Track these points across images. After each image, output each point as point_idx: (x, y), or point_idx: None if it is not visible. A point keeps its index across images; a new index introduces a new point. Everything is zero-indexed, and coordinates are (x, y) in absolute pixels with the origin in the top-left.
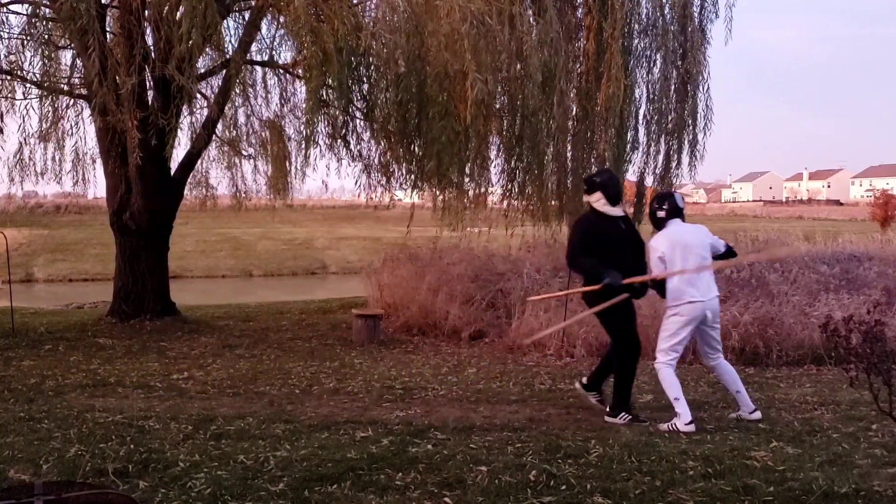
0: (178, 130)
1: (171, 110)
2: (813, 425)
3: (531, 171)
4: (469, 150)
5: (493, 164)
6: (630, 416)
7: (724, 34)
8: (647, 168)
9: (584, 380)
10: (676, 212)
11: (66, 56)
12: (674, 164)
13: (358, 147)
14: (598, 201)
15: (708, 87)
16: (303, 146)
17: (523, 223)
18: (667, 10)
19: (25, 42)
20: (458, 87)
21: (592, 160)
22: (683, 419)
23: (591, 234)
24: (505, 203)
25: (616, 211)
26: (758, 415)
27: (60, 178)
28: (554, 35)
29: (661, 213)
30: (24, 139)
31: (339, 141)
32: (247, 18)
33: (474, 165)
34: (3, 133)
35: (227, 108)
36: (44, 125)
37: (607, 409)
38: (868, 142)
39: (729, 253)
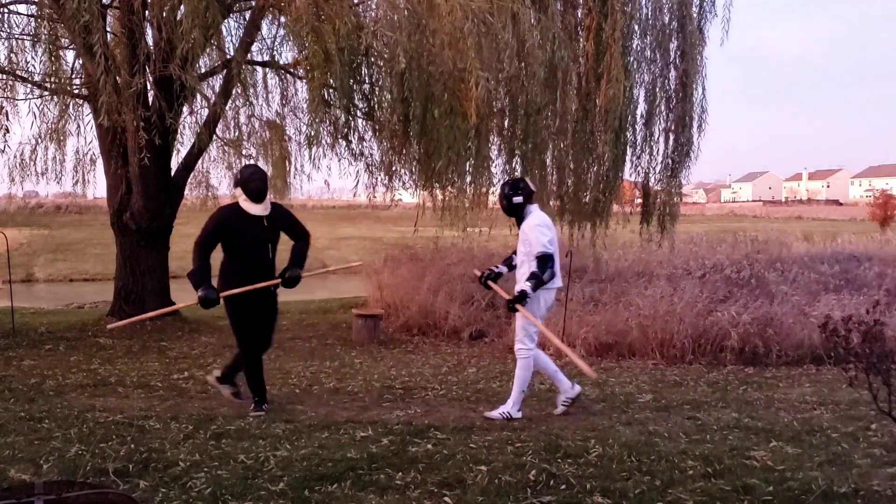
0: (180, 130)
1: (174, 110)
2: (812, 425)
3: (532, 171)
4: (470, 150)
5: (493, 164)
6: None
7: (720, 35)
8: (647, 168)
9: (218, 373)
10: (531, 197)
11: (68, 56)
12: (674, 164)
13: (360, 146)
14: (239, 197)
15: (704, 88)
16: (304, 146)
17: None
18: (666, 10)
19: (27, 42)
20: (459, 86)
21: (591, 160)
22: (517, 407)
23: (222, 228)
24: None
25: (257, 209)
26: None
27: (61, 178)
28: (557, 31)
29: (519, 199)
30: (26, 139)
31: (340, 140)
32: (247, 18)
33: (476, 165)
34: (9, 132)
35: (227, 108)
36: (46, 125)
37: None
38: (868, 142)
39: None
